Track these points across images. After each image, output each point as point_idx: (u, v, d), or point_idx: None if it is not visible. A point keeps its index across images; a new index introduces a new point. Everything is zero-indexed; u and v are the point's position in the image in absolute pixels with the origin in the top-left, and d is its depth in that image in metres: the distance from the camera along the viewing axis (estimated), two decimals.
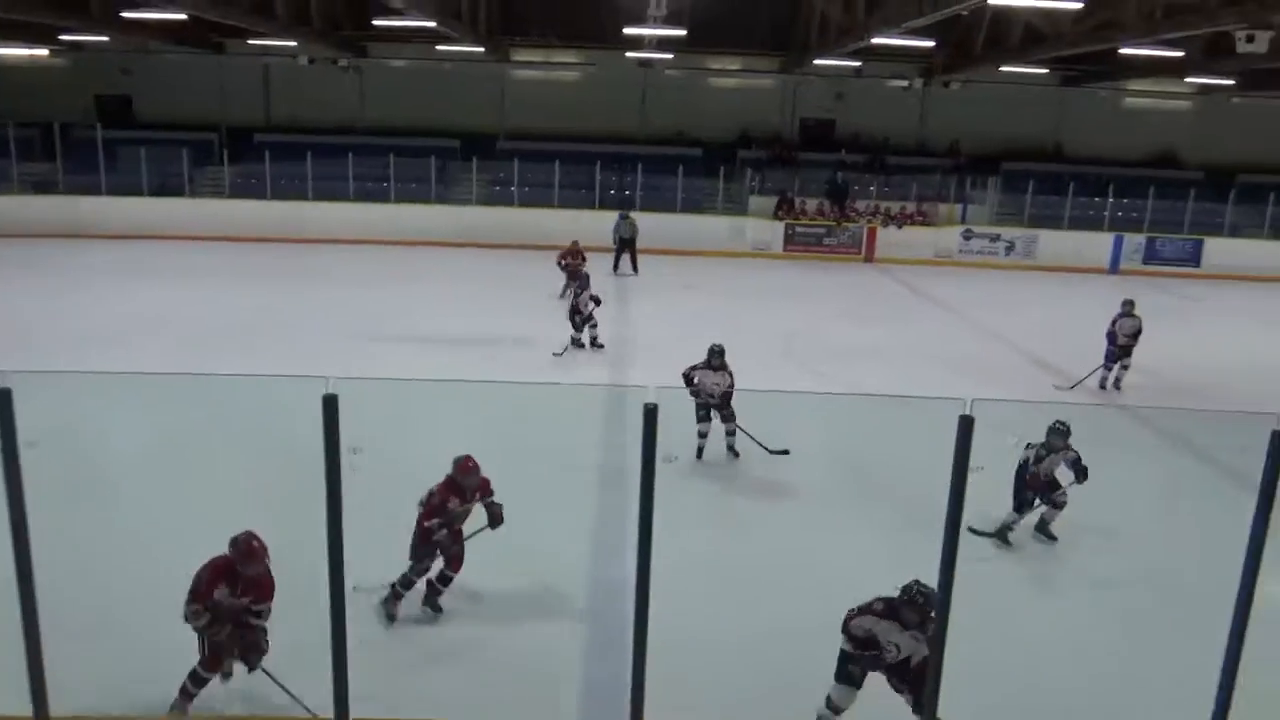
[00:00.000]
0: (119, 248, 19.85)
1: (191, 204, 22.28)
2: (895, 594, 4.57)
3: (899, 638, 4.54)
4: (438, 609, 5.85)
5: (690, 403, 8.38)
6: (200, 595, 4.53)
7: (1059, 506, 7.09)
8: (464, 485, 5.64)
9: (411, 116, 24.21)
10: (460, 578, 5.83)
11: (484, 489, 5.75)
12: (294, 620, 4.69)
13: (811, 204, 23.14)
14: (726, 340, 8.63)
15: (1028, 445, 7.03)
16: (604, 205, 22.08)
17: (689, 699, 4.73)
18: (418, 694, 4.95)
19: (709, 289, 17.88)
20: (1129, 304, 11.65)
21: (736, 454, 8.54)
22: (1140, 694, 5.29)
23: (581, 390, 10.45)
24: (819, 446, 8.21)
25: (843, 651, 4.66)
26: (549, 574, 6.30)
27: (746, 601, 6.01)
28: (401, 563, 5.73)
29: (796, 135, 25.52)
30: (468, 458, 5.67)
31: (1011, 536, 7.15)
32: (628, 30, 18.53)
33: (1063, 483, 7.03)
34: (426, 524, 5.59)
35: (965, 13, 17.22)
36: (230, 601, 4.56)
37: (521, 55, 24.80)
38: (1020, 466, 7.05)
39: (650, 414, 3.67)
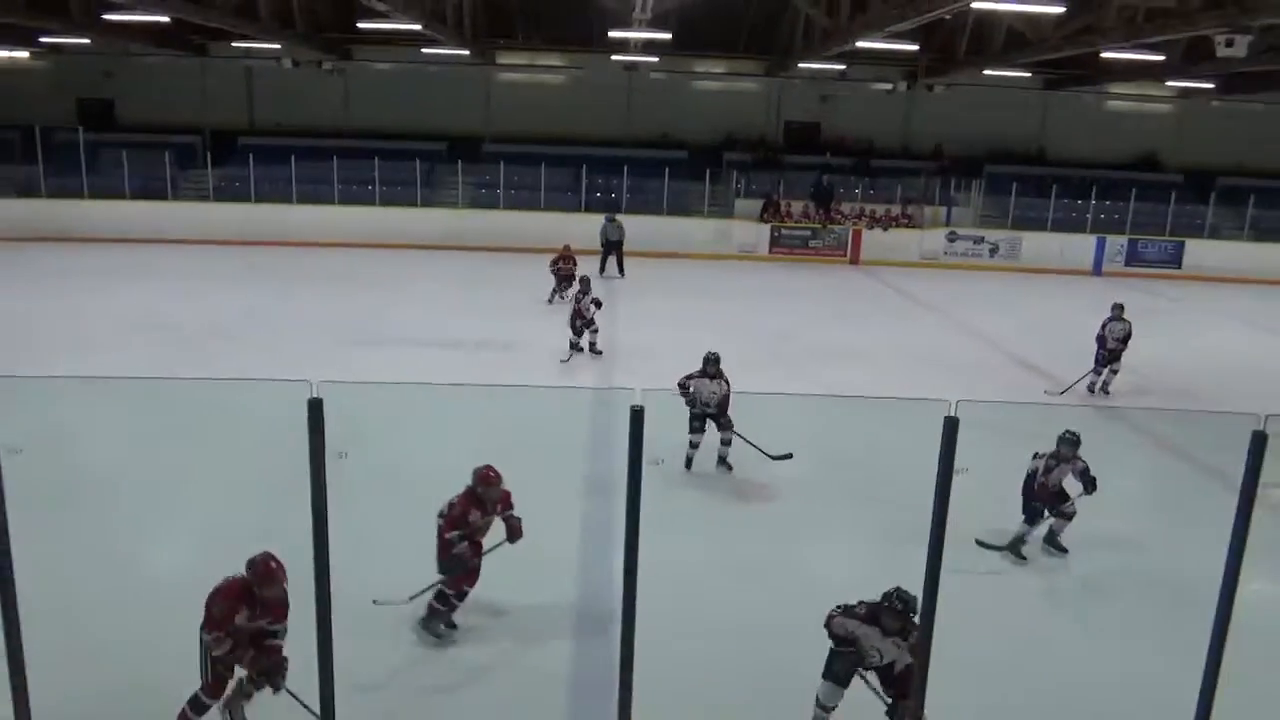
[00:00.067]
0: (101, 251, 19.71)
1: (175, 207, 22.16)
2: (878, 600, 4.57)
3: (881, 644, 4.54)
4: (452, 625, 5.65)
5: (683, 411, 8.25)
6: (221, 624, 4.32)
7: (1068, 518, 6.89)
8: (485, 497, 5.42)
9: (397, 119, 24.18)
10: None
11: (505, 502, 5.54)
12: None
13: (797, 206, 23.19)
14: (713, 343, 8.61)
15: (1036, 455, 6.86)
16: (590, 208, 22.09)
17: (677, 702, 4.73)
18: (402, 701, 4.94)
19: (695, 292, 17.89)
20: (1119, 308, 11.52)
21: (729, 467, 8.28)
22: (1141, 694, 5.31)
23: (568, 393, 10.44)
24: (805, 448, 8.21)
25: (830, 649, 4.68)
26: (535, 577, 6.27)
27: (734, 605, 6.00)
28: (396, 567, 5.66)
29: (781, 138, 25.63)
30: (489, 468, 5.44)
31: (1024, 550, 6.92)
32: (613, 33, 18.59)
33: (1071, 494, 6.86)
34: (447, 535, 5.39)
35: (948, 16, 17.39)
36: (250, 625, 4.39)
37: (507, 58, 24.81)
38: (1028, 477, 6.85)
39: (636, 416, 3.68)
